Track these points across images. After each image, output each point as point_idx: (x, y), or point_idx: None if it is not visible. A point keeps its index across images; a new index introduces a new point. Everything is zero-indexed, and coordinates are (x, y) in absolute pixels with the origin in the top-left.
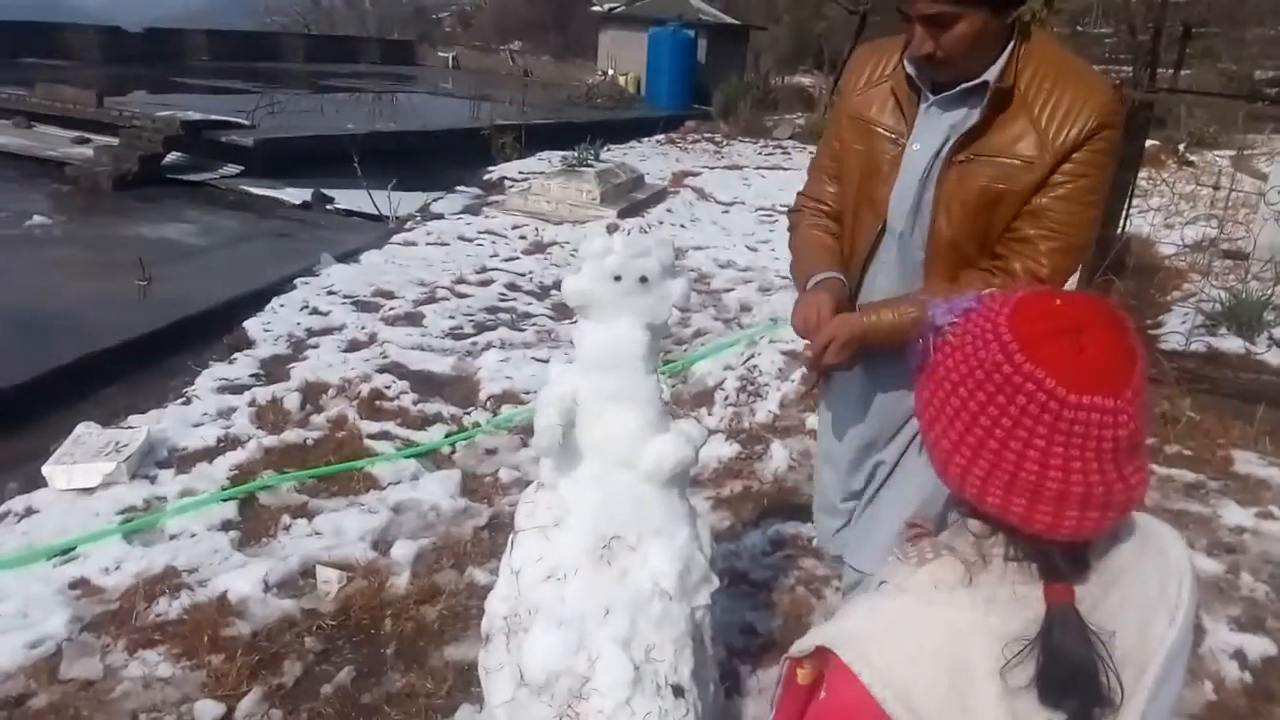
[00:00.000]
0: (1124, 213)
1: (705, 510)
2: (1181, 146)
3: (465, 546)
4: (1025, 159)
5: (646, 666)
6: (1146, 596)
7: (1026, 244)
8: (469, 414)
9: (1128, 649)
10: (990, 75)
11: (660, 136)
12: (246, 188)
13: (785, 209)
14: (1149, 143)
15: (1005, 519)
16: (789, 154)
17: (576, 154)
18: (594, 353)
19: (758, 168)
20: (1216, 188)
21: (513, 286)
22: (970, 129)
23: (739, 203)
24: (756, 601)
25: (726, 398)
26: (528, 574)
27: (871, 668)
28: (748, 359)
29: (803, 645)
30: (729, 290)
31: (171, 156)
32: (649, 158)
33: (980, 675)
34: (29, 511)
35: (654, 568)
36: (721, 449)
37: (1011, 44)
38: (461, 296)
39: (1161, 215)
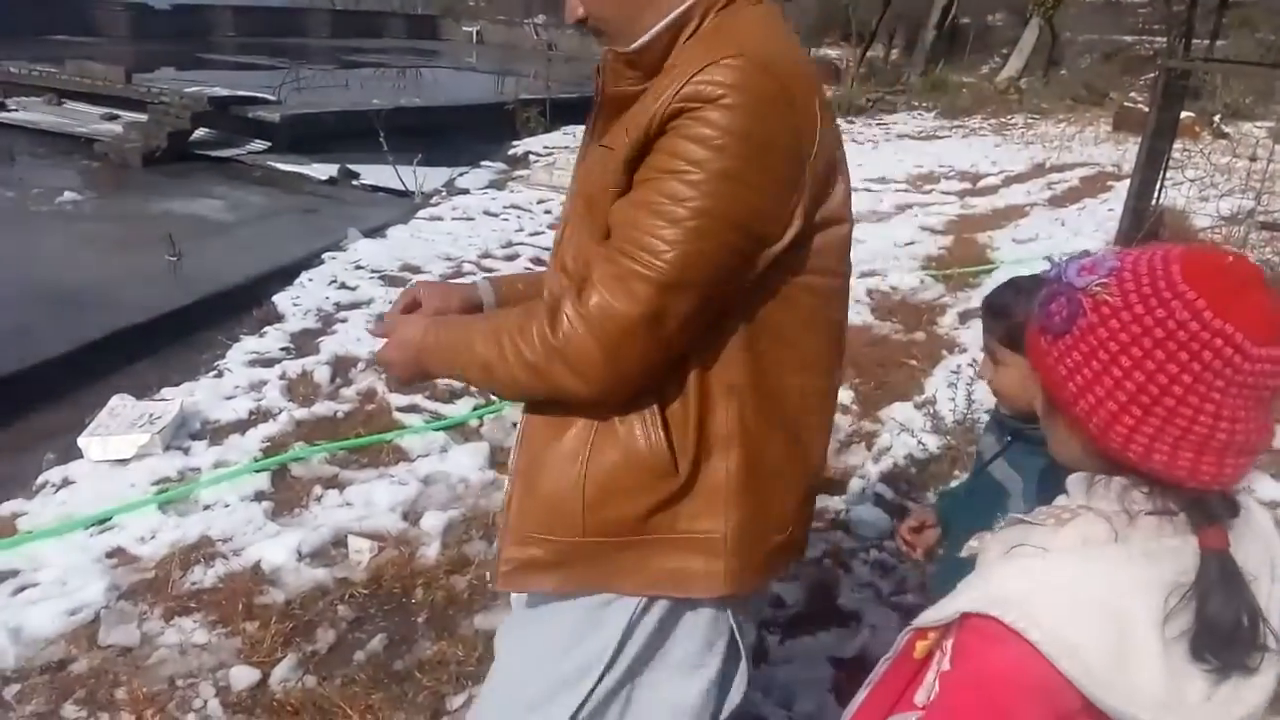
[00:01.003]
0: (1158, 184)
1: None
2: (1217, 118)
3: (494, 518)
4: (614, 145)
5: None
6: (1253, 556)
7: (590, 268)
8: None
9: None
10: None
11: None
12: (273, 164)
13: None
14: (1183, 114)
15: (1170, 474)
16: None
17: None
18: None
19: None
20: (1254, 159)
21: (539, 261)
22: (598, 108)
23: None
24: (784, 573)
25: None
26: None
27: (1040, 627)
28: None
29: (938, 614)
30: None
31: (199, 133)
32: None
33: (1142, 630)
34: (66, 482)
35: None
36: None
37: (687, 10)
38: (488, 271)
39: (1196, 187)
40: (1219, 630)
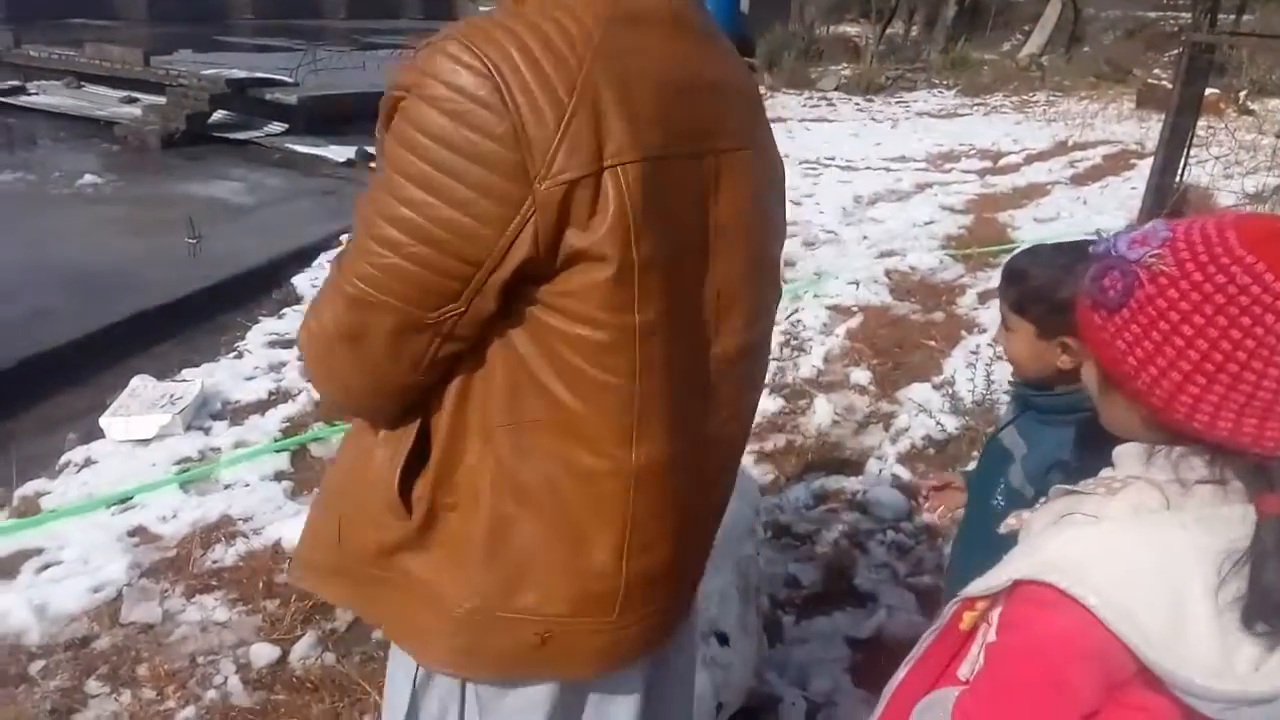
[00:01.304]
0: (1182, 162)
1: (749, 464)
2: (1242, 94)
3: None
4: None
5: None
6: None
7: None
8: None
9: None
10: None
11: None
12: (291, 146)
13: (829, 162)
14: (1208, 90)
15: (1234, 442)
16: (834, 105)
17: None
18: None
19: (802, 120)
20: None
21: None
22: None
23: (783, 155)
24: (799, 554)
25: (770, 352)
26: None
27: (1098, 592)
28: (791, 314)
29: (988, 583)
30: None
31: (217, 115)
32: None
33: (1194, 596)
34: (88, 462)
35: None
36: (765, 403)
37: None
38: None
39: (1221, 165)
40: (1273, 598)
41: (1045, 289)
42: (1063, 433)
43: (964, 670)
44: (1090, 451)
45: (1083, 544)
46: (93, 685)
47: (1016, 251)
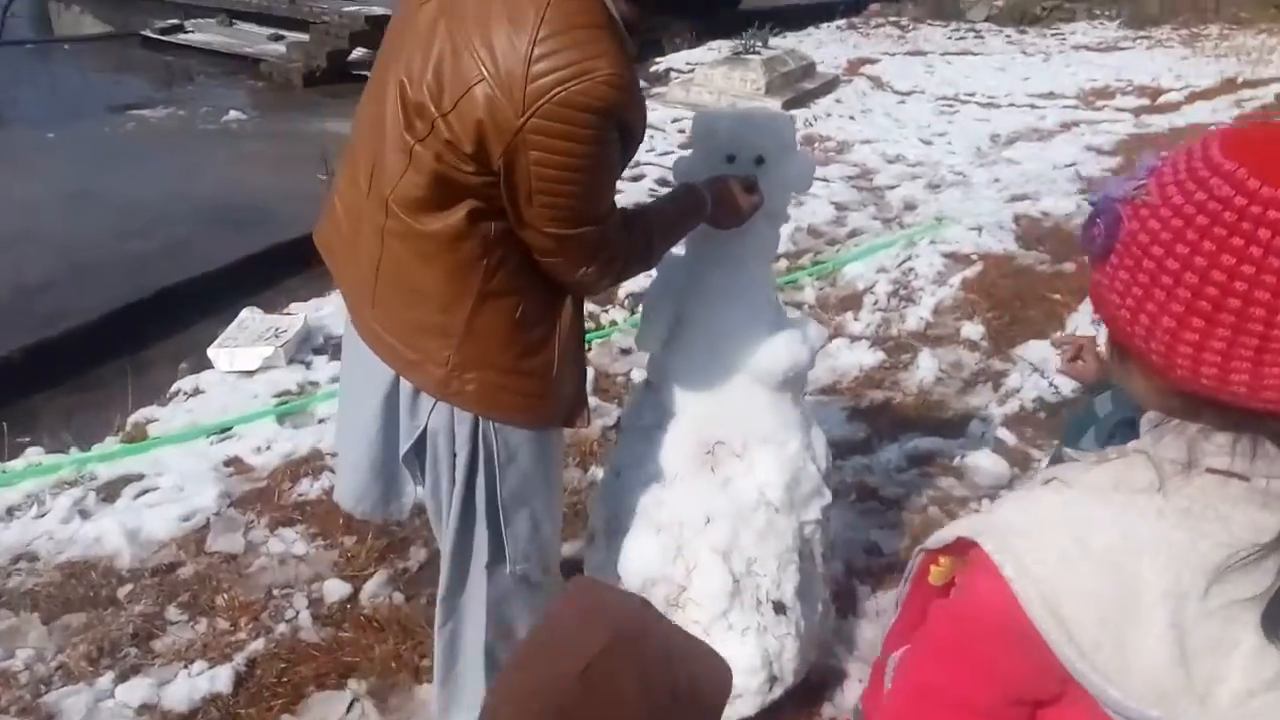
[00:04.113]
0: None
1: (841, 420)
2: None
3: (591, 445)
4: None
5: (747, 580)
6: None
7: None
8: (606, 312)
9: None
10: None
11: (841, 21)
12: None
13: (968, 98)
14: None
15: (1258, 398)
16: (982, 38)
17: (743, 41)
18: (704, 244)
19: (944, 53)
20: None
21: (664, 182)
22: None
23: (918, 92)
24: (884, 520)
25: (876, 302)
26: (628, 476)
27: (1018, 561)
28: (903, 261)
29: (941, 535)
30: (893, 187)
31: (357, 52)
32: (825, 44)
33: (1150, 597)
34: (196, 391)
35: (760, 477)
36: (864, 356)
37: None
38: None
39: None
40: None
41: None
42: None
43: None
44: None
45: (1033, 510)
46: (173, 612)
47: None
